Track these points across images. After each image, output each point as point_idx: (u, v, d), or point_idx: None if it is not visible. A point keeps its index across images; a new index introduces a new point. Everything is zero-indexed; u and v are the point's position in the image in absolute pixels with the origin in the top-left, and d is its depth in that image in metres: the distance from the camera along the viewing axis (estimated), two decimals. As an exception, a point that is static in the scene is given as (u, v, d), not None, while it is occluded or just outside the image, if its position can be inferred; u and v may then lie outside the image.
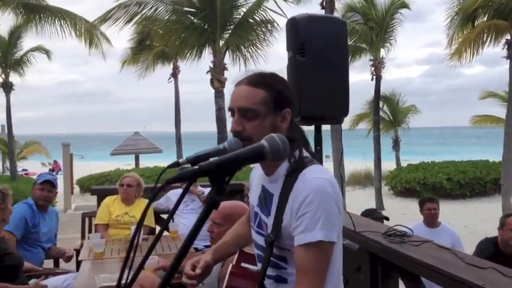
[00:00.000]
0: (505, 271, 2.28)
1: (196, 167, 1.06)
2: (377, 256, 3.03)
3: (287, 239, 1.81)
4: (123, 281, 1.22)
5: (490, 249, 4.58)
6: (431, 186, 18.37)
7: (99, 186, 9.81)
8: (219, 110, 10.97)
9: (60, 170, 27.33)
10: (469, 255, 2.59)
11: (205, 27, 11.35)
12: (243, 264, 2.35)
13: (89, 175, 20.38)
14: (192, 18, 11.51)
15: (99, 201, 5.80)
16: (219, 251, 2.36)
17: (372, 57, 18.07)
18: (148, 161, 25.66)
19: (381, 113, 24.97)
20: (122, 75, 22.59)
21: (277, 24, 12.29)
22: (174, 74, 21.81)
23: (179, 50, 11.57)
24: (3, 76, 19.41)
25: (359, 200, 18.26)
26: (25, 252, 4.52)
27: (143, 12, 10.65)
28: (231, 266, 2.24)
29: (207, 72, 11.44)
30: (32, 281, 4.27)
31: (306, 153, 1.92)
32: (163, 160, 23.13)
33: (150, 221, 5.53)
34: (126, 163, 26.70)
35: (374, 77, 17.94)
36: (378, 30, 17.46)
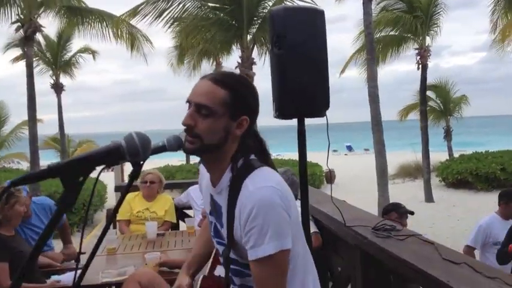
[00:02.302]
0: (478, 266, 2.17)
1: (45, 167, 1.06)
2: (364, 251, 2.96)
3: (243, 250, 1.78)
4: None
5: None
6: (484, 177, 17.68)
7: (123, 183, 10.00)
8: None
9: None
10: (450, 250, 2.48)
11: (233, 22, 11.37)
12: (216, 272, 2.35)
13: (139, 171, 20.78)
14: (219, 13, 11.58)
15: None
16: (194, 264, 2.37)
17: (418, 46, 17.57)
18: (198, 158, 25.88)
19: (432, 103, 24.32)
20: (173, 73, 22.89)
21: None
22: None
23: (208, 46, 11.69)
24: (54, 78, 20.17)
25: (407, 192, 17.86)
26: None
27: (171, 8, 10.76)
28: (201, 276, 2.24)
29: (236, 67, 11.46)
30: (52, 278, 4.41)
31: (252, 157, 1.85)
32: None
33: (171, 216, 5.61)
34: (178, 159, 27.15)
35: (420, 66, 17.44)
36: (422, 18, 16.95)
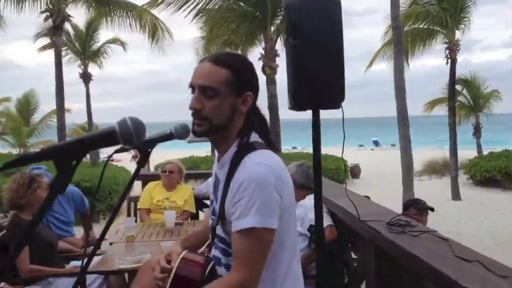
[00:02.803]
0: (490, 264, 2.12)
1: (39, 149, 1.06)
2: (378, 246, 2.92)
3: (230, 225, 1.78)
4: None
5: None
6: (513, 176, 17.31)
7: (145, 172, 10.10)
8: (271, 97, 10.94)
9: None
10: (464, 248, 2.43)
11: (257, 13, 11.31)
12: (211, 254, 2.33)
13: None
14: (243, 5, 11.54)
15: (143, 187, 5.99)
16: (189, 240, 2.38)
17: (447, 40, 17.24)
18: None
19: (461, 98, 23.85)
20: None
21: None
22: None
23: (233, 37, 11.67)
24: (82, 67, 20.45)
25: (434, 190, 17.61)
26: None
27: (196, -1, 10.79)
28: (184, 252, 2.19)
29: (259, 59, 11.44)
30: (72, 263, 4.49)
31: (257, 139, 1.88)
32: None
33: (190, 206, 5.65)
34: (204, 150, 27.32)
35: (449, 60, 17.11)
36: (451, 11, 16.62)
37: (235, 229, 1.73)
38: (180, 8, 10.75)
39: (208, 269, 2.02)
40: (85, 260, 1.57)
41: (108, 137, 1.12)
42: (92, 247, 5.12)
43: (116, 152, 1.78)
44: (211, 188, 2.03)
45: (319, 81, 2.74)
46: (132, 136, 1.13)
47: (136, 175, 1.65)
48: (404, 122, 12.26)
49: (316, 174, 2.98)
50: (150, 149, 1.69)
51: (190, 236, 2.42)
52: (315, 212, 2.95)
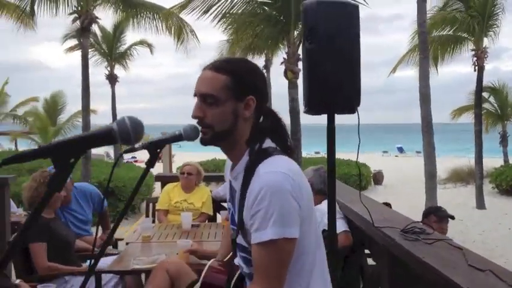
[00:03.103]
0: (503, 274, 2.07)
1: (37, 147, 1.07)
2: (391, 253, 2.89)
3: (250, 235, 1.77)
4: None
5: None
6: (540, 185, 16.95)
7: (162, 173, 10.16)
8: (292, 101, 10.90)
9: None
10: (478, 257, 2.38)
11: (280, 18, 11.28)
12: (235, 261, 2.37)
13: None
14: (267, 8, 11.53)
15: (162, 188, 6.03)
16: (222, 247, 2.45)
17: (474, 47, 16.98)
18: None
19: (489, 106, 23.46)
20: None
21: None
22: (266, 66, 21.98)
23: (256, 42, 11.69)
24: (108, 69, 20.71)
25: (458, 198, 17.35)
26: None
27: (219, 3, 10.81)
28: (211, 261, 2.25)
29: (281, 63, 11.41)
30: (88, 262, 4.53)
31: (270, 145, 1.85)
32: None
33: (208, 208, 5.66)
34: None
35: (476, 67, 16.85)
36: (479, 18, 16.37)
37: (255, 241, 1.71)
38: (205, 13, 10.82)
39: (235, 276, 2.04)
40: (94, 260, 1.59)
41: (106, 136, 1.12)
42: (110, 247, 5.21)
43: (125, 152, 1.80)
44: (228, 194, 2.03)
45: (335, 85, 2.72)
46: (130, 135, 1.13)
47: (146, 175, 1.66)
48: (428, 129, 12.11)
49: (330, 178, 2.95)
50: (158, 150, 1.70)
51: (223, 242, 2.45)
52: (328, 217, 2.93)
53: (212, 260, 2.23)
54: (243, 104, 1.81)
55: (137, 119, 1.16)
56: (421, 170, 12.73)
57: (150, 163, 1.67)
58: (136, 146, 1.80)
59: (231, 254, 2.41)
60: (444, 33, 17.53)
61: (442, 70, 18.57)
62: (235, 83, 1.79)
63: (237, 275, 2.01)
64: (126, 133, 1.12)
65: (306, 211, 1.75)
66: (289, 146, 1.90)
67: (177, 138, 1.79)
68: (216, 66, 1.83)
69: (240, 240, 1.88)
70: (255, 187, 1.71)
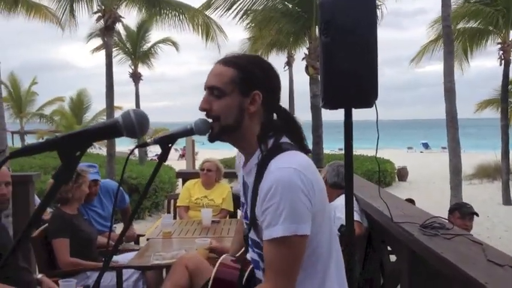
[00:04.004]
0: (524, 269, 2.03)
1: (43, 139, 1.08)
2: (410, 249, 2.85)
3: (262, 230, 1.77)
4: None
5: None
6: None
7: (184, 170, 10.22)
8: (314, 97, 10.83)
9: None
10: (498, 252, 2.33)
11: (302, 13, 11.23)
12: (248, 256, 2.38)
13: (210, 161, 21.24)
14: (288, 4, 11.50)
15: (183, 184, 6.07)
16: (234, 243, 2.52)
17: (500, 41, 16.67)
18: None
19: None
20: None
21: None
22: (289, 63, 21.94)
23: (278, 38, 11.68)
24: (132, 67, 20.90)
25: (484, 194, 17.09)
26: None
27: (241, 0, 10.84)
28: (223, 257, 2.25)
29: (303, 59, 11.39)
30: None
31: (285, 140, 1.85)
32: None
33: (228, 205, 5.67)
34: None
35: (502, 61, 16.55)
36: (504, 12, 16.05)
37: (266, 238, 1.71)
38: (227, 10, 10.87)
39: (247, 271, 2.04)
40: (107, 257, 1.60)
41: (111, 129, 1.13)
42: (132, 242, 5.27)
43: (137, 147, 1.82)
44: (242, 190, 2.03)
45: (351, 79, 2.69)
46: (135, 128, 1.14)
47: (158, 170, 1.66)
48: (453, 124, 11.94)
49: (348, 172, 2.93)
50: (170, 144, 1.71)
51: (235, 237, 2.46)
52: (345, 211, 2.91)
53: (224, 256, 2.23)
54: (249, 99, 1.81)
55: (143, 112, 1.17)
56: (447, 166, 12.56)
57: (162, 157, 1.68)
58: (149, 140, 1.82)
59: (243, 249, 2.42)
60: (469, 26, 17.24)
61: (465, 64, 18.21)
62: (241, 77, 1.80)
63: (248, 271, 2.01)
64: (131, 126, 1.13)
65: (318, 208, 1.74)
66: (305, 144, 1.89)
67: (189, 132, 1.80)
68: (225, 61, 1.85)
69: (252, 235, 1.88)
70: (267, 183, 1.70)
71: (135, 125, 1.13)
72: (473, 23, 17.08)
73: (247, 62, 1.86)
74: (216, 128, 1.80)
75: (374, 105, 2.80)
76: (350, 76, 2.69)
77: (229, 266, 2.14)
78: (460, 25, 17.02)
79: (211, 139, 1.83)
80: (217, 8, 11.08)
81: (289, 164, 1.71)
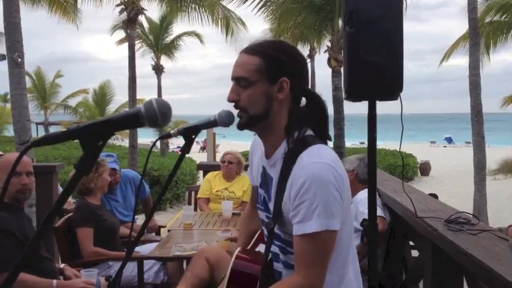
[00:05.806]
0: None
1: (65, 129, 1.07)
2: (435, 244, 2.80)
3: (289, 224, 1.76)
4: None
5: None
6: None
7: (205, 162, 10.23)
8: (336, 89, 10.73)
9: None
10: (526, 248, 2.28)
11: (324, 4, 11.10)
12: (257, 249, 2.35)
13: (231, 153, 21.31)
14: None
15: (204, 176, 6.08)
16: (242, 235, 2.42)
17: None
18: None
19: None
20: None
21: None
22: (311, 56, 21.78)
23: (299, 30, 11.55)
24: (155, 59, 21.00)
25: (509, 190, 16.79)
26: None
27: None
28: (238, 249, 2.24)
29: (325, 51, 11.27)
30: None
31: (310, 133, 1.83)
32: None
33: (249, 197, 5.65)
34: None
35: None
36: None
37: (298, 233, 1.70)
38: (245, 1, 10.81)
39: (265, 263, 2.02)
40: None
41: (133, 118, 1.11)
42: (153, 233, 5.30)
43: (161, 138, 1.81)
44: (259, 179, 2.00)
45: (376, 70, 2.64)
46: (157, 117, 1.12)
47: (181, 161, 1.65)
48: (478, 119, 11.73)
49: (371, 166, 2.88)
50: (194, 136, 1.69)
51: (243, 229, 2.43)
52: (368, 205, 2.87)
53: (239, 249, 2.22)
54: (276, 87, 1.78)
55: (165, 101, 1.15)
56: (470, 161, 12.36)
57: (186, 149, 1.67)
58: (172, 132, 1.81)
59: (253, 241, 2.40)
60: (496, 19, 16.89)
61: (492, 58, 17.88)
62: (267, 65, 1.77)
63: (267, 260, 1.99)
64: (153, 115, 1.11)
65: (345, 202, 1.74)
66: (327, 135, 1.87)
67: (212, 124, 1.77)
68: (250, 49, 1.82)
69: (276, 230, 1.86)
70: (299, 176, 1.69)
71: (158, 114, 1.11)
72: (501, 16, 16.72)
73: (271, 48, 1.82)
74: (245, 118, 1.78)
75: (399, 98, 2.74)
76: (374, 67, 2.64)
77: (245, 258, 2.14)
78: (489, 17, 16.68)
79: (241, 127, 1.81)
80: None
81: (322, 158, 1.70)
